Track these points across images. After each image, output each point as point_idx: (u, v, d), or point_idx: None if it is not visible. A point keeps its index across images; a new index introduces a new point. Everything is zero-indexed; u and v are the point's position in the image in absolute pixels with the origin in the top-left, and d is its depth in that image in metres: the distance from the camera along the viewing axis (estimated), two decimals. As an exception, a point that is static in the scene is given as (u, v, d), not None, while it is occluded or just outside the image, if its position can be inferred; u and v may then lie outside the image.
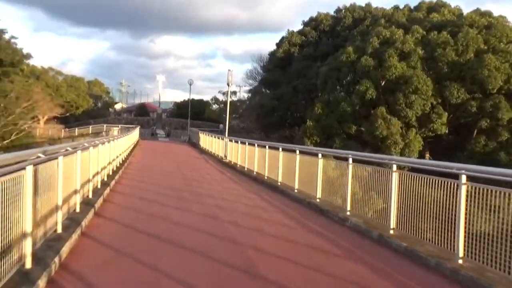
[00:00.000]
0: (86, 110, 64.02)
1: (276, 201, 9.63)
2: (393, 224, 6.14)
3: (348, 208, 7.52)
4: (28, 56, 31.53)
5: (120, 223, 6.69)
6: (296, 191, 10.31)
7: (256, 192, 10.95)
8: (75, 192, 6.77)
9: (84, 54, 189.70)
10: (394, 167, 6.21)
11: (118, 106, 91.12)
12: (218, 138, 23.58)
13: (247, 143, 16.45)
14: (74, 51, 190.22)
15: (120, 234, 6.00)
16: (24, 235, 4.00)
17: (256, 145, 14.92)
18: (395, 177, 6.15)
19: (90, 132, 44.66)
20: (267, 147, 13.47)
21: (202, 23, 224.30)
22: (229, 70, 21.01)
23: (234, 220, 7.10)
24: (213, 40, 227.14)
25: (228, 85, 21.42)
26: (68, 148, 6.37)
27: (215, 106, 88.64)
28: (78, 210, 6.71)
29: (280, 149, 11.98)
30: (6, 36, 29.71)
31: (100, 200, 8.21)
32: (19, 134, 33.76)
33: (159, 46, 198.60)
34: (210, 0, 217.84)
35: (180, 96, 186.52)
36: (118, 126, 42.41)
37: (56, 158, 5.32)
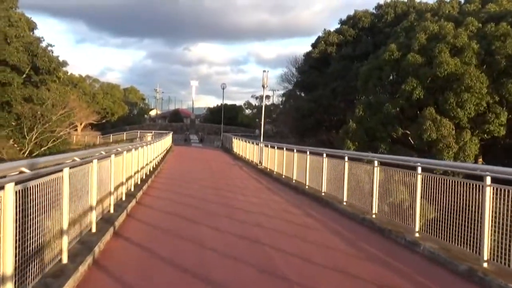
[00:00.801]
0: (122, 116, 65.24)
1: (323, 216, 8.34)
2: (486, 254, 4.71)
3: (417, 229, 6.12)
4: (64, 63, 31.99)
5: (141, 246, 5.65)
6: (345, 203, 8.98)
7: (298, 205, 9.70)
8: (91, 209, 5.82)
9: (122, 63, 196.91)
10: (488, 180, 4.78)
11: (153, 113, 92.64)
12: (252, 143, 22.50)
13: (284, 149, 15.22)
14: (113, 60, 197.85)
15: (137, 264, 4.94)
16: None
17: (295, 150, 13.68)
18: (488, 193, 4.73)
19: (125, 138, 45.05)
20: (308, 152, 12.17)
21: (235, 30, 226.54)
22: (264, 71, 19.99)
23: (277, 244, 5.90)
24: (246, 45, 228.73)
25: (263, 86, 20.34)
26: (102, 152, 6.38)
27: (247, 111, 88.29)
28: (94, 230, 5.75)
29: (324, 155, 10.67)
30: (43, 44, 30.25)
31: (123, 216, 7.25)
32: (56, 141, 34.28)
33: (193, 53, 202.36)
34: (243, 6, 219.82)
35: (213, 102, 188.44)
36: (152, 132, 42.43)
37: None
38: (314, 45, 36.24)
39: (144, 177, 13.02)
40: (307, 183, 11.95)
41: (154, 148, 17.46)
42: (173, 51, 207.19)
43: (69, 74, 56.59)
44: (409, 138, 23.17)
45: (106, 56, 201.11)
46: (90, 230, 5.74)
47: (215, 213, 8.23)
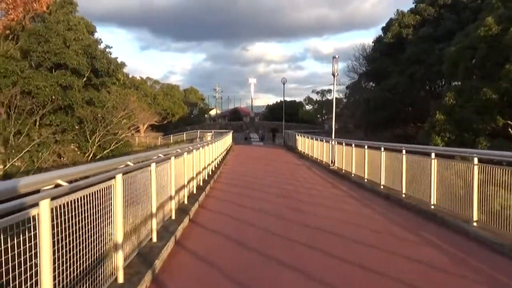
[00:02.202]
0: (182, 117, 65.79)
1: (449, 244, 5.73)
2: None
3: None
4: (122, 65, 31.79)
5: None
6: (475, 224, 6.30)
7: (401, 223, 7.15)
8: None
9: (183, 66, 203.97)
10: None
11: (212, 112, 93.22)
12: (321, 140, 19.98)
13: (366, 147, 12.59)
14: (175, 64, 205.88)
15: None
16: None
17: (382, 149, 11.04)
18: None
19: (185, 138, 44.67)
20: (404, 151, 9.52)
21: (292, 27, 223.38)
22: (334, 57, 17.35)
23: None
24: (303, 42, 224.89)
25: (333, 75, 17.73)
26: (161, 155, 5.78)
27: (308, 107, 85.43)
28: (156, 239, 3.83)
29: (433, 155, 7.97)
30: (101, 46, 30.23)
31: (170, 243, 5.30)
32: (118, 143, 34.39)
33: (251, 53, 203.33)
34: (300, 3, 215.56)
35: (271, 100, 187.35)
36: (211, 132, 41.48)
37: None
38: (385, 29, 32.55)
39: (201, 183, 11.22)
40: (403, 191, 9.33)
41: (213, 149, 15.76)
42: (231, 52, 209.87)
43: (130, 77, 58.09)
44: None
45: (168, 60, 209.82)
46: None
47: (292, 239, 6.01)
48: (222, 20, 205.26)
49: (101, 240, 3.61)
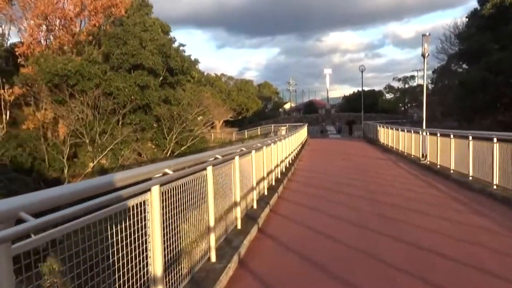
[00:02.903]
0: (257, 111, 65.67)
1: None
2: None
3: None
4: (196, 62, 32.04)
5: None
6: None
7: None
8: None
9: (257, 61, 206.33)
10: None
11: (287, 106, 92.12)
12: (410, 131, 17.66)
13: (470, 137, 10.40)
14: (249, 60, 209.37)
15: None
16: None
17: (495, 140, 8.89)
18: None
19: (259, 133, 44.14)
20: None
21: (368, 12, 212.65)
22: (424, 35, 14.99)
23: None
24: (380, 28, 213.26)
25: (423, 56, 15.37)
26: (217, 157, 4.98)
27: (388, 96, 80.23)
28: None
29: None
30: (175, 45, 30.67)
31: (226, 276, 4.23)
32: (194, 140, 34.95)
33: (325, 44, 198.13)
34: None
35: (348, 91, 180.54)
36: (286, 126, 40.34)
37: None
38: (482, 1, 28.22)
39: (273, 183, 10.12)
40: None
41: (286, 144, 14.60)
42: (305, 44, 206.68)
43: (205, 74, 59.33)
44: None
45: (243, 57, 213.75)
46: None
47: (382, 260, 4.57)
48: (294, 12, 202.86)
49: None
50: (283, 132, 30.81)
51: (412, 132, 17.22)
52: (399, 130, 20.01)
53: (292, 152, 17.42)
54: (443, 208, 7.54)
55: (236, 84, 63.93)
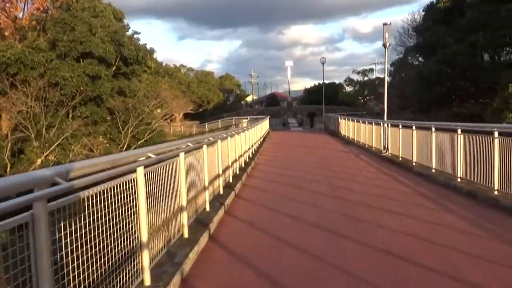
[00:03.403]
0: (218, 104, 64.42)
1: None
2: None
3: None
4: (152, 51, 30.41)
5: None
6: None
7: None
8: None
9: (219, 54, 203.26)
10: None
11: (249, 99, 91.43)
12: (371, 123, 17.44)
13: (433, 129, 10.11)
14: (211, 52, 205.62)
15: None
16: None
17: (459, 131, 8.58)
18: None
19: (220, 126, 43.10)
20: (496, 134, 7.11)
21: (328, 7, 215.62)
22: (385, 24, 14.66)
23: None
24: (340, 22, 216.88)
25: (384, 46, 15.06)
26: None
27: (348, 88, 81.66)
28: None
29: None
30: (129, 33, 28.88)
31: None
32: (151, 134, 33.42)
33: (287, 37, 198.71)
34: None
35: (309, 84, 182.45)
36: (247, 118, 39.59)
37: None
38: (439, -6, 28.71)
39: (231, 180, 9.32)
40: (495, 187, 6.99)
41: (245, 138, 13.83)
42: (267, 36, 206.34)
43: (164, 65, 57.20)
44: None
45: (205, 49, 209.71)
46: None
47: (352, 273, 3.92)
48: (257, 4, 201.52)
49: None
50: (245, 125, 30.13)
51: (373, 124, 17.00)
52: (360, 122, 19.82)
53: (252, 146, 16.70)
54: (410, 205, 7.06)
55: (197, 76, 62.23)
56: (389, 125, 14.49)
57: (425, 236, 5.12)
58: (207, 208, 6.49)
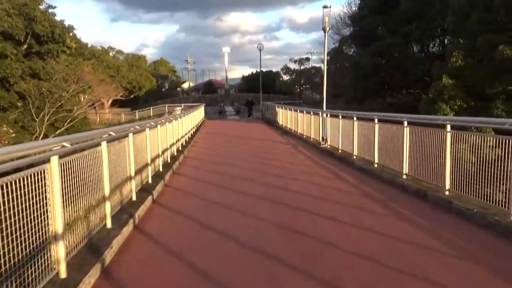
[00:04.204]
0: (151, 90, 60.88)
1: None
2: None
3: None
4: (71, 28, 27.00)
5: None
6: None
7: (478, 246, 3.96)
8: None
9: (156, 38, 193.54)
10: None
11: (185, 85, 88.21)
12: (309, 113, 16.64)
13: (376, 120, 9.34)
14: (147, 36, 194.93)
15: None
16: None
17: (405, 123, 7.82)
18: None
19: (152, 114, 40.44)
20: (448, 127, 6.37)
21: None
22: (325, 6, 13.73)
23: None
24: (278, 12, 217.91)
25: (324, 30, 14.17)
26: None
27: (285, 77, 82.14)
28: None
29: None
30: (42, 7, 25.25)
31: None
32: (73, 122, 30.08)
33: (225, 24, 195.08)
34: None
35: (247, 71, 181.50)
36: (181, 106, 37.44)
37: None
38: (375, -18, 28.67)
39: (150, 180, 7.76)
40: (446, 186, 6.26)
41: (174, 127, 12.26)
42: (205, 22, 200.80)
43: (89, 46, 52.44)
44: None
45: (140, 32, 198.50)
46: None
47: None
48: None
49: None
50: (178, 113, 28.18)
51: (312, 113, 16.22)
52: (298, 111, 19.02)
53: (183, 137, 15.12)
54: (357, 210, 6.08)
55: (127, 60, 57.96)
56: (328, 115, 13.72)
57: (383, 259, 4.08)
58: (109, 225, 4.93)
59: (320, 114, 14.68)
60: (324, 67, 14.75)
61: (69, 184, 3.76)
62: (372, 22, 26.89)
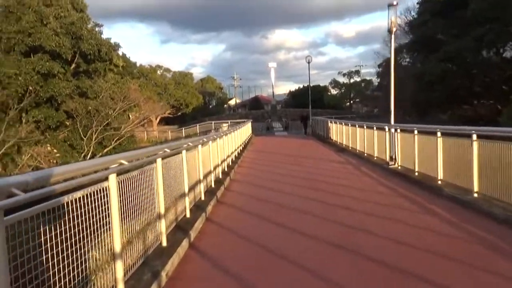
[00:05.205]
0: (198, 107, 61.00)
1: None
2: None
3: None
4: (117, 46, 26.93)
5: None
6: None
7: None
8: None
9: (203, 58, 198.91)
10: None
11: (232, 102, 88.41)
12: (371, 128, 14.51)
13: (474, 136, 7.19)
14: (195, 56, 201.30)
15: None
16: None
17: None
18: None
19: (198, 131, 39.79)
20: None
21: (311, 11, 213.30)
22: (390, 5, 11.79)
23: None
24: (323, 27, 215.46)
25: (389, 32, 12.20)
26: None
27: (334, 91, 79.84)
28: None
29: None
30: (90, 25, 25.32)
31: None
32: (119, 140, 29.89)
33: (270, 41, 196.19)
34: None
35: (293, 87, 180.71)
36: (228, 122, 36.45)
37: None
38: (436, -17, 26.09)
39: (188, 214, 6.23)
40: None
41: (220, 146, 10.80)
42: (250, 40, 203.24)
43: (138, 65, 53.58)
44: None
45: (189, 52, 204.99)
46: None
47: None
48: (240, 8, 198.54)
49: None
50: (225, 129, 27.01)
51: (375, 128, 14.09)
52: (357, 126, 16.91)
53: (229, 156, 13.63)
54: (485, 273, 4.04)
55: (174, 78, 58.50)
56: (399, 131, 11.58)
57: None
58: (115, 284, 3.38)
59: (387, 129, 12.56)
60: (392, 72, 12.70)
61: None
62: (435, 28, 24.17)
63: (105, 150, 29.87)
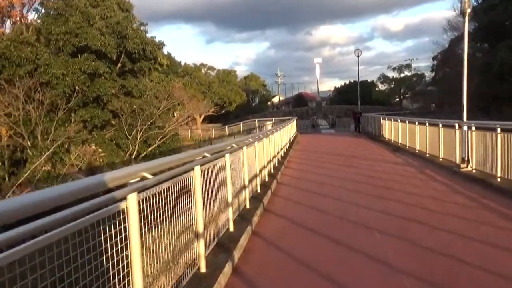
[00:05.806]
0: (242, 105, 60.54)
1: None
2: None
3: None
4: (161, 45, 26.73)
5: None
6: None
7: None
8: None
9: (247, 56, 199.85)
10: None
11: (276, 99, 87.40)
12: (436, 125, 12.88)
13: None
14: (239, 55, 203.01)
15: None
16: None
17: None
18: None
19: (241, 129, 39.15)
20: None
21: (357, 5, 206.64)
22: (461, -19, 10.20)
23: None
24: (369, 21, 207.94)
25: (462, 13, 10.62)
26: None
27: (382, 87, 76.38)
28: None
29: None
30: (135, 25, 25.29)
31: None
32: (163, 138, 29.83)
33: (314, 38, 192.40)
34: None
35: (338, 83, 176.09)
36: (272, 120, 35.45)
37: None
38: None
39: (231, 228, 5.33)
40: None
41: (265, 146, 9.85)
42: (294, 37, 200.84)
43: (183, 64, 53.99)
44: None
45: (233, 51, 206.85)
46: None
47: None
48: (284, 5, 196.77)
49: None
50: (269, 127, 25.99)
51: (440, 126, 12.45)
52: (417, 123, 15.25)
53: (275, 156, 12.63)
54: None
55: (218, 76, 58.35)
56: (473, 128, 9.98)
57: None
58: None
59: (457, 127, 10.95)
60: (465, 57, 11.10)
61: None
62: (505, 12, 21.53)
63: (150, 149, 29.96)
